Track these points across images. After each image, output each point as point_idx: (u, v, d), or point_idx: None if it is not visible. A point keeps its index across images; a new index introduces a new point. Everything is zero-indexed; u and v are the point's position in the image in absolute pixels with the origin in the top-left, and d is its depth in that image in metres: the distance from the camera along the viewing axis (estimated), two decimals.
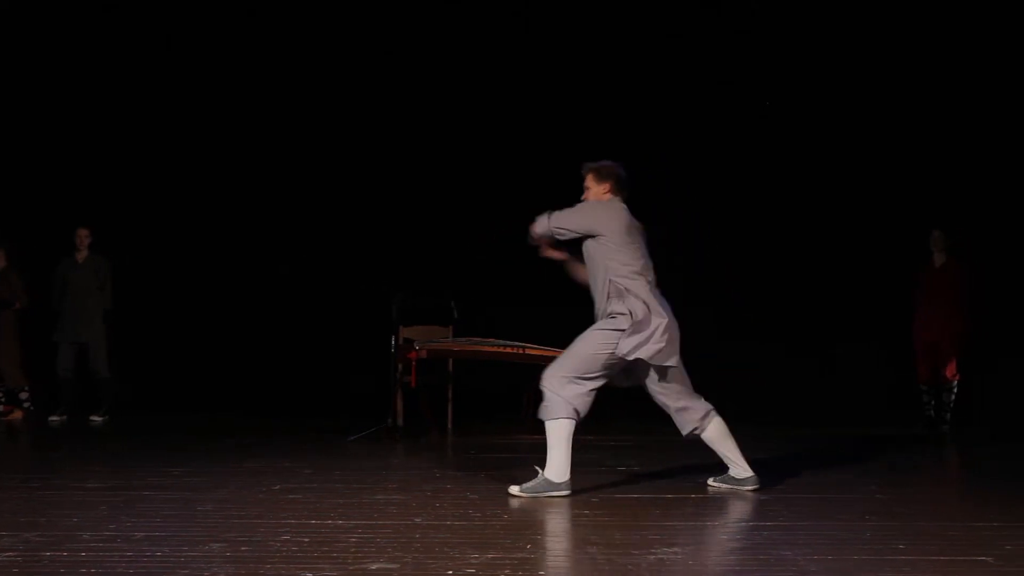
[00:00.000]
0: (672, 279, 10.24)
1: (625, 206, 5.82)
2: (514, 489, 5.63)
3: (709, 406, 5.78)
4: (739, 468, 5.75)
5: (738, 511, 5.06)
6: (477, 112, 10.48)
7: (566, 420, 5.62)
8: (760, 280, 10.46)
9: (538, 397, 9.05)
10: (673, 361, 5.64)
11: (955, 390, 9.70)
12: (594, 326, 5.69)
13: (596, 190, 5.88)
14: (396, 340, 8.91)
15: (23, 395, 10.27)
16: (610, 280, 5.63)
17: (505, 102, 10.49)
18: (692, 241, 10.53)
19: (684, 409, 5.75)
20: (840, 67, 10.41)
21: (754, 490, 5.63)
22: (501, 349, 8.76)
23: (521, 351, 8.78)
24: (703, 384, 10.26)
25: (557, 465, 5.59)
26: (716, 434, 5.76)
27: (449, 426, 9.44)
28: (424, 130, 10.53)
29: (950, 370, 9.66)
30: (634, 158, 10.32)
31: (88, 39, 10.51)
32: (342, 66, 10.65)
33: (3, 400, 10.24)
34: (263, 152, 10.72)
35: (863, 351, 10.34)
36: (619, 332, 5.55)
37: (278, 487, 5.81)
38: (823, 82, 10.48)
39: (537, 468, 5.63)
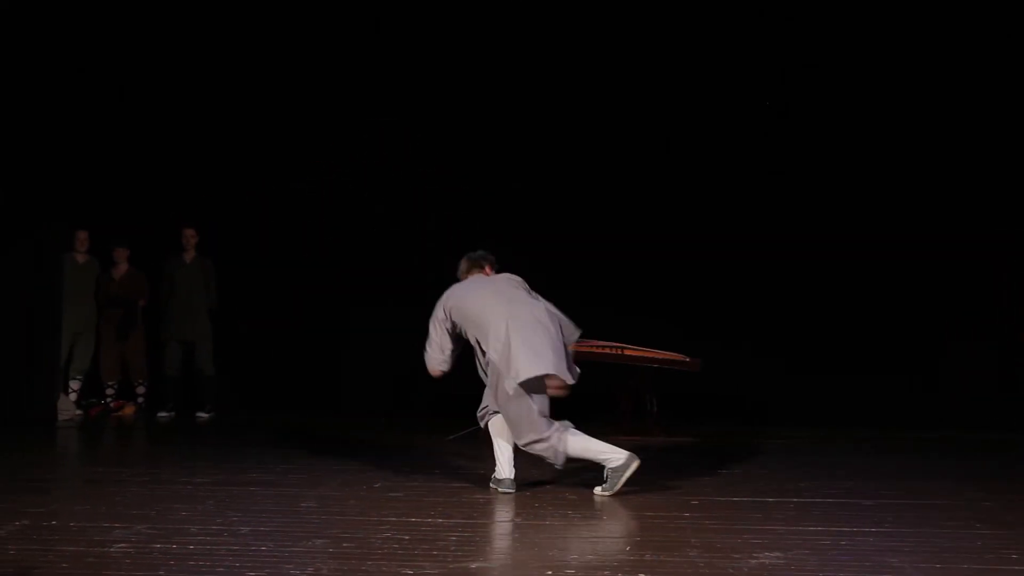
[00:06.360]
0: (736, 281, 10.24)
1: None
2: (598, 490, 5.65)
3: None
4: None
5: (841, 516, 4.97)
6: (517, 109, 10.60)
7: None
8: (863, 281, 10.26)
9: (637, 397, 9.08)
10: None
11: None
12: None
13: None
14: None
15: (139, 390, 10.56)
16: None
17: (507, 103, 10.55)
18: (766, 246, 10.45)
19: None
20: (909, 63, 10.18)
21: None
22: (598, 350, 8.63)
23: (619, 351, 8.68)
24: (803, 390, 10.14)
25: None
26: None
27: None
28: (495, 131, 10.62)
29: None
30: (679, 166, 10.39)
31: (209, 38, 10.73)
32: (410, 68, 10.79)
33: (113, 396, 10.53)
34: (353, 152, 10.89)
35: (970, 351, 10.09)
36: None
37: (379, 485, 5.88)
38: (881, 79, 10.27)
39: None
